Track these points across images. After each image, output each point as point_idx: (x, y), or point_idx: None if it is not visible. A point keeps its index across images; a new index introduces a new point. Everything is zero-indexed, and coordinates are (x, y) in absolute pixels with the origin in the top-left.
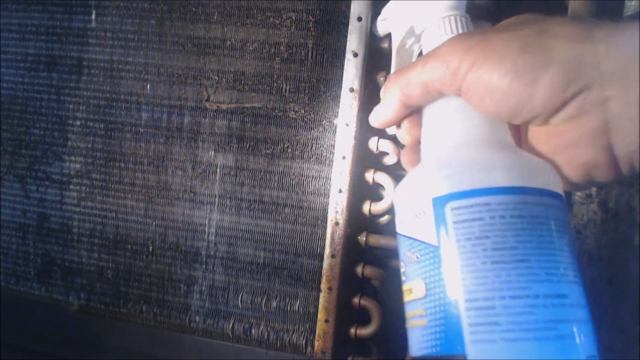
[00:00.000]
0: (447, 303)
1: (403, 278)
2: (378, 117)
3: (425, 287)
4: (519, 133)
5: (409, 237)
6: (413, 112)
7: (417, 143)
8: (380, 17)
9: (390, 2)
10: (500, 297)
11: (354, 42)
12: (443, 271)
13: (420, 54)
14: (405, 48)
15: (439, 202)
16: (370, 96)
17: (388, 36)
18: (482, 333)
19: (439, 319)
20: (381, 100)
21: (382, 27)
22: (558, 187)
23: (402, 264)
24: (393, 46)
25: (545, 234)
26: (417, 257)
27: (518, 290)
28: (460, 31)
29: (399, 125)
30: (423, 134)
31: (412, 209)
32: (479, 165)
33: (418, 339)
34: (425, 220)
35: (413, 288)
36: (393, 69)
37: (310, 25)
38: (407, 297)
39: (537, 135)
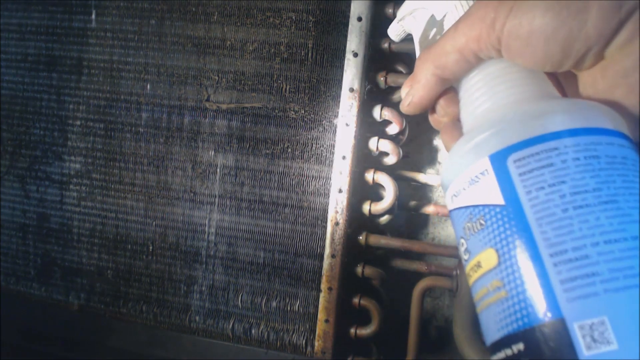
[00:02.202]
0: (528, 264)
1: (465, 257)
2: (412, 98)
3: (498, 253)
4: (562, 90)
5: (468, 207)
6: (447, 90)
7: (456, 120)
8: (395, 20)
9: (405, 2)
10: (592, 244)
11: (354, 42)
12: (517, 230)
13: None
14: (428, 40)
15: (499, 158)
16: (370, 96)
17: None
18: (579, 288)
19: (522, 284)
20: (412, 81)
21: (398, 30)
22: (624, 129)
23: (461, 241)
24: (415, 41)
25: (627, 173)
26: (481, 224)
27: (612, 234)
28: None
29: (433, 110)
30: (463, 106)
31: (464, 177)
32: (537, 112)
33: (499, 316)
34: (484, 182)
35: (482, 260)
36: None
37: (310, 25)
38: (474, 275)
39: (583, 82)
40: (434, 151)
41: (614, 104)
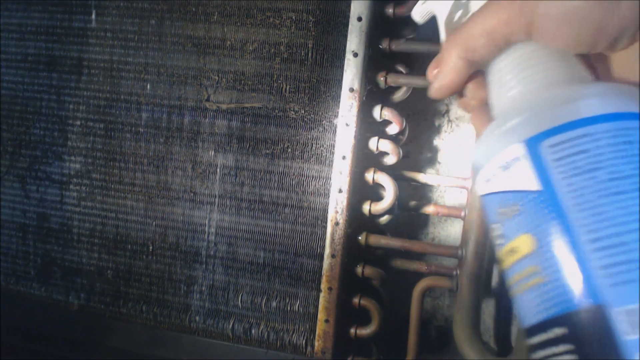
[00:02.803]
0: (566, 250)
1: (500, 241)
2: (441, 82)
3: (534, 239)
4: (594, 71)
5: (501, 192)
6: (475, 73)
7: (484, 105)
8: (420, 2)
9: None
10: (629, 231)
11: (354, 42)
12: (553, 216)
13: None
14: (454, 22)
15: (533, 143)
16: (370, 96)
17: (388, 35)
18: (618, 274)
19: (560, 270)
20: (439, 65)
21: (423, 11)
22: None
23: (496, 226)
24: (440, 25)
25: None
26: (516, 210)
27: None
28: None
29: (461, 94)
30: (492, 89)
31: (496, 162)
32: (570, 97)
33: (535, 300)
34: (518, 167)
35: (517, 246)
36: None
37: (310, 25)
38: (509, 260)
39: (616, 64)
40: (434, 151)
41: None
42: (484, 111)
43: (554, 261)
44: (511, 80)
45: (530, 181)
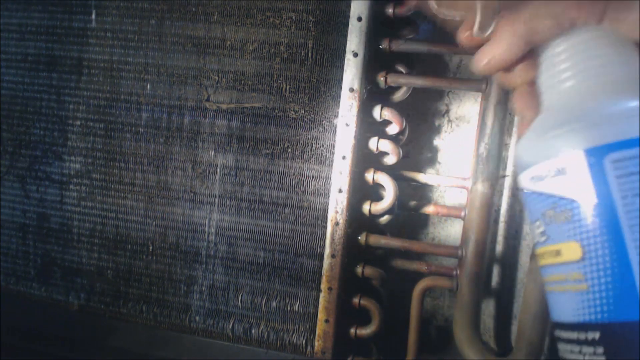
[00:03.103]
0: (616, 267)
1: (542, 238)
2: (490, 58)
3: (583, 249)
4: None
5: (552, 195)
6: (528, 53)
7: (530, 86)
8: None
9: None
10: None
11: (354, 42)
12: (607, 232)
13: None
14: None
15: (595, 154)
16: (370, 96)
17: (388, 35)
18: None
19: (606, 284)
20: (491, 41)
21: None
22: None
23: (538, 224)
24: None
25: None
26: (567, 217)
27: None
28: None
29: (508, 69)
30: (544, 73)
31: (551, 164)
32: (637, 109)
33: (576, 304)
34: (575, 175)
35: (563, 249)
36: (478, 7)
37: (310, 25)
38: (550, 260)
39: None
40: (434, 151)
41: None
42: (530, 95)
43: (601, 274)
44: (568, 69)
45: (587, 193)
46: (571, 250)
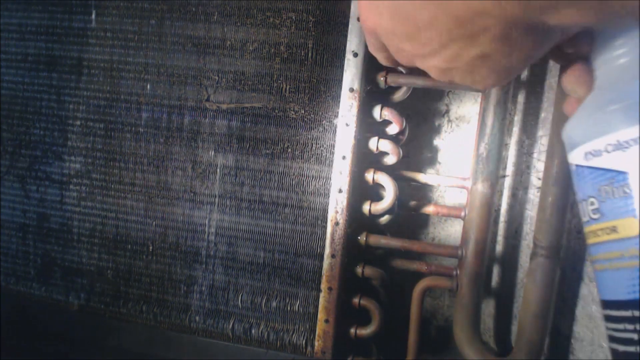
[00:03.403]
0: None
1: (594, 216)
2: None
3: None
4: None
5: (610, 170)
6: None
7: (583, 59)
8: None
9: None
10: None
11: (354, 42)
12: None
13: None
14: None
15: None
16: (370, 96)
17: None
18: None
19: None
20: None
21: None
22: None
23: (591, 200)
24: None
25: None
26: (625, 192)
27: None
28: None
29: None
30: (600, 48)
31: (610, 139)
32: None
33: (629, 281)
34: (633, 149)
35: (619, 226)
36: None
37: (310, 25)
38: (603, 237)
39: None
40: (434, 151)
41: None
42: (584, 68)
43: None
44: (624, 43)
45: None
46: (629, 226)
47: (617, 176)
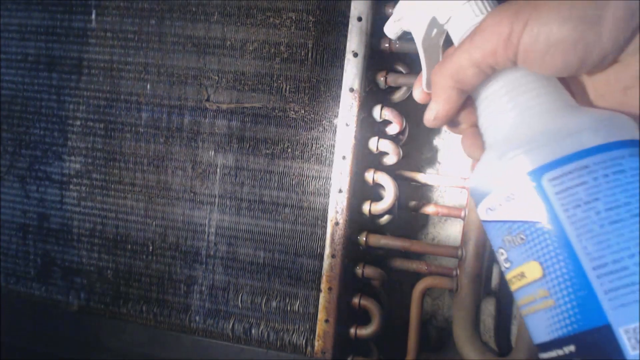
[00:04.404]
0: (573, 277)
1: (506, 265)
2: (435, 114)
3: (542, 266)
4: (571, 89)
5: (506, 221)
6: (467, 100)
7: (474, 127)
8: (392, 18)
9: (400, 1)
10: (629, 256)
11: (354, 42)
12: (558, 245)
13: (448, 44)
14: (430, 41)
15: (534, 177)
16: (370, 96)
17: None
18: (621, 297)
19: (569, 295)
20: (432, 97)
21: (395, 29)
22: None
23: (501, 251)
24: (417, 43)
25: None
26: (522, 239)
27: None
28: (491, 9)
29: (454, 120)
30: (483, 113)
31: (500, 193)
32: (566, 130)
33: (546, 321)
34: (520, 199)
35: (525, 271)
36: (423, 65)
37: (310, 25)
38: (517, 283)
39: (595, 83)
40: (434, 151)
41: (628, 105)
42: (474, 134)
43: (562, 287)
44: (503, 105)
45: (534, 213)
46: (533, 270)
47: (513, 225)
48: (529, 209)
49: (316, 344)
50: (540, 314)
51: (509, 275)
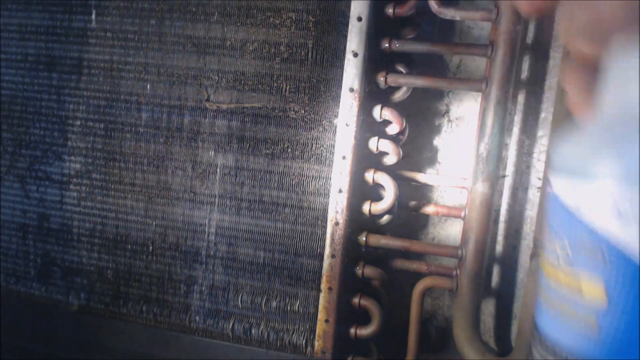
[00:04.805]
0: (633, 328)
1: (562, 252)
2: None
3: (607, 295)
4: None
5: (599, 233)
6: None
7: (590, 70)
8: None
9: None
10: None
11: (354, 42)
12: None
13: None
14: None
15: None
16: (370, 96)
17: (388, 35)
18: None
19: (618, 335)
20: None
21: None
22: None
23: (566, 242)
24: None
25: None
26: (601, 257)
27: None
28: None
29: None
30: (612, 75)
31: (608, 198)
32: None
33: (578, 338)
34: (632, 224)
35: (582, 284)
36: None
37: (310, 25)
38: (563, 280)
39: None
40: (434, 151)
41: None
42: (586, 75)
43: (618, 328)
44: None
45: (632, 248)
46: (593, 289)
47: (602, 239)
48: (633, 241)
49: (316, 344)
50: (573, 324)
51: (558, 269)
